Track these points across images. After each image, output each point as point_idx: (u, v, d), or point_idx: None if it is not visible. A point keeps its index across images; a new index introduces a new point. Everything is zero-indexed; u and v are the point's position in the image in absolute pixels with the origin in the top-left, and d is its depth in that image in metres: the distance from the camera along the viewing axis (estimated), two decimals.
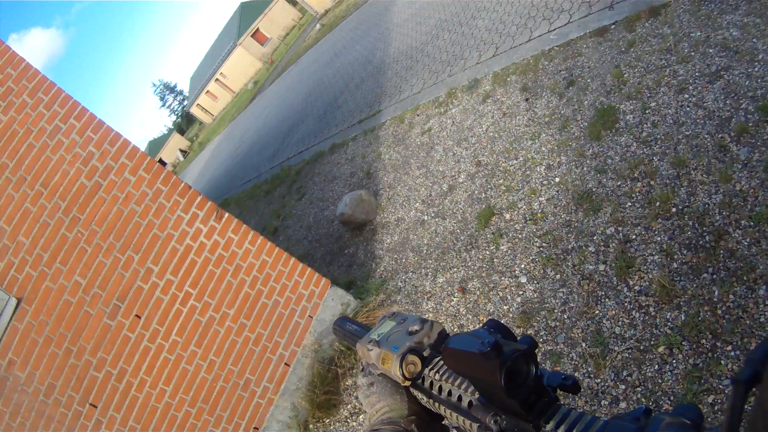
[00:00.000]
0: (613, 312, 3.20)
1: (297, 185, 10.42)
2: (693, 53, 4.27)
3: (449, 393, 0.81)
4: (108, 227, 4.19)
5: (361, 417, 4.39)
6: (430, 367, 0.88)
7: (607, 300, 3.29)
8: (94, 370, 4.11)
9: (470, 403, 0.75)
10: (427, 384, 0.87)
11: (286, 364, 4.75)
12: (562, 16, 6.49)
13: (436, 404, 0.85)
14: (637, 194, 3.68)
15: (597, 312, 3.28)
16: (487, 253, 4.46)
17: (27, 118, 4.10)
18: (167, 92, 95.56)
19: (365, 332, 1.04)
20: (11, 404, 3.89)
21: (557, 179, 4.41)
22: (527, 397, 0.63)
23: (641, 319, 3.04)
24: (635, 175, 3.81)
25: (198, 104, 63.29)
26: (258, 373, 4.62)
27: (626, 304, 3.17)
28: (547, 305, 3.63)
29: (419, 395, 0.90)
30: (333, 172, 9.19)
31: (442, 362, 0.86)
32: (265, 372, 4.65)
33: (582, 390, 3.03)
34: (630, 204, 3.67)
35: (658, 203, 3.48)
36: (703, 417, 0.44)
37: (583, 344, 3.20)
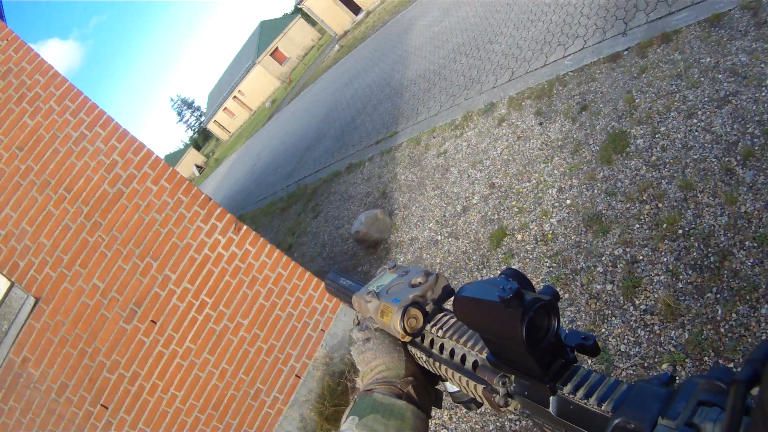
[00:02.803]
0: (619, 330, 3.26)
1: (313, 203, 10.53)
2: (702, 79, 4.37)
3: (452, 352, 0.78)
4: (128, 234, 4.31)
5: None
6: (432, 323, 0.83)
7: (613, 318, 3.36)
8: (108, 371, 4.18)
9: (475, 363, 0.72)
10: (427, 342, 0.83)
11: (296, 375, 4.81)
12: (577, 42, 6.61)
13: (436, 364, 0.81)
14: (645, 216, 3.76)
15: (603, 330, 3.35)
16: (498, 272, 4.51)
17: (53, 123, 4.24)
18: (185, 108, 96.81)
19: (359, 287, 0.98)
20: (23, 400, 3.96)
21: (568, 201, 4.49)
22: (545, 355, 0.58)
23: (646, 337, 3.11)
24: (644, 197, 3.90)
25: (215, 121, 63.92)
26: (269, 383, 4.69)
27: (632, 323, 3.23)
28: None
29: (417, 353, 0.86)
30: (349, 191, 9.31)
31: (446, 318, 0.83)
32: (275, 382, 4.71)
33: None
34: (638, 226, 3.75)
35: (665, 225, 3.56)
36: None
37: (589, 361, 3.25)
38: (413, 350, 0.87)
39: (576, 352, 0.60)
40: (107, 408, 4.18)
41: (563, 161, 4.94)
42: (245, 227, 4.72)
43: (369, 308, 0.89)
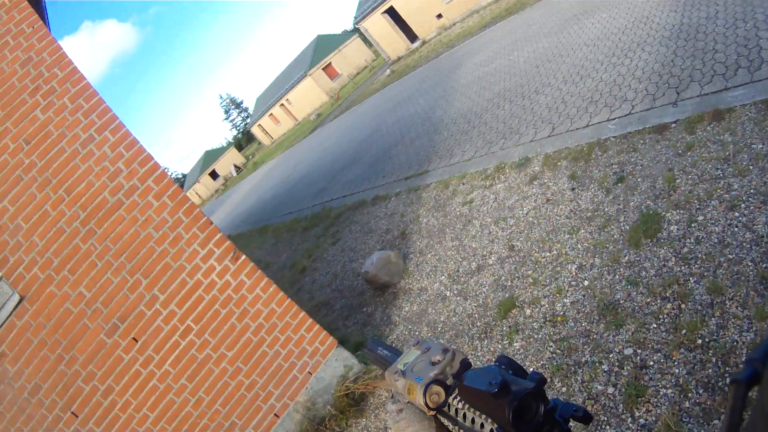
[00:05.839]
0: None
1: (333, 229, 10.39)
2: (751, 167, 4.02)
3: (472, 421, 0.85)
4: (122, 247, 4.16)
5: None
6: (453, 395, 0.90)
7: (607, 427, 3.02)
8: (82, 381, 4.06)
9: (491, 431, 0.80)
10: (452, 411, 0.90)
11: (275, 415, 4.60)
12: (624, 106, 6.34)
13: (461, 431, 0.89)
14: (665, 316, 3.42)
15: None
16: (499, 346, 4.23)
17: (64, 121, 4.14)
18: (232, 107, 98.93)
19: (395, 357, 1.07)
20: None
21: (586, 282, 4.18)
22: (538, 430, 0.68)
23: None
24: (667, 294, 3.56)
25: (260, 124, 64.82)
26: (245, 419, 4.49)
27: None
28: None
29: (446, 422, 0.95)
30: (370, 224, 9.13)
31: None
32: (252, 419, 4.51)
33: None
34: (655, 326, 3.41)
35: (684, 331, 3.21)
36: None
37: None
38: (442, 419, 0.95)
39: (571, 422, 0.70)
40: (77, 416, 4.05)
41: (589, 236, 4.64)
42: (243, 257, 4.53)
43: (398, 386, 0.99)
